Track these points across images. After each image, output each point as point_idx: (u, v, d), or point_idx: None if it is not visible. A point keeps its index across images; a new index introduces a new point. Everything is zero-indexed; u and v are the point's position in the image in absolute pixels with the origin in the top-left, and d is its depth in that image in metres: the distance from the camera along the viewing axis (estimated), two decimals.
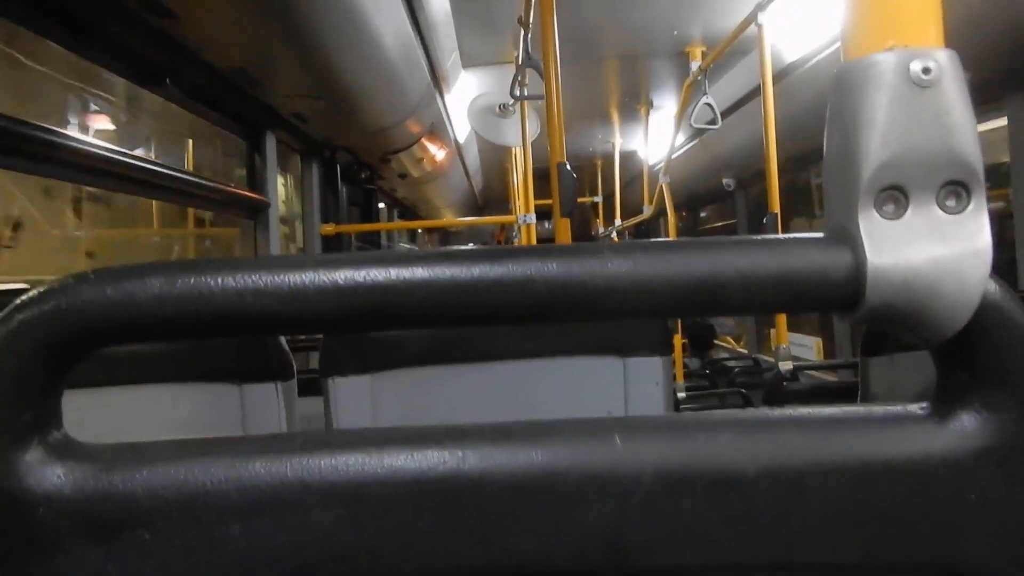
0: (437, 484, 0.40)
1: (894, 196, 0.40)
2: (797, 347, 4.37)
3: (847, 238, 0.40)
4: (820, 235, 0.41)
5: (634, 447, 0.41)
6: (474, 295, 0.40)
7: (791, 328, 3.59)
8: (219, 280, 0.39)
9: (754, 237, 0.41)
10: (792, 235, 0.41)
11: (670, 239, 0.42)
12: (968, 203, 0.39)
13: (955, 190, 0.40)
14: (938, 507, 0.40)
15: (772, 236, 0.41)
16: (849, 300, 0.40)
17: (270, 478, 0.40)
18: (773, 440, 0.42)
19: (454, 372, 1.35)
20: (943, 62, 0.39)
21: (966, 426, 0.41)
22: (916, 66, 0.39)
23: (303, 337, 3.15)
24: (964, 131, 0.39)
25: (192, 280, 0.39)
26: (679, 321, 4.84)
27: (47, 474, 0.39)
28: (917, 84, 0.39)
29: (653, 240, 0.42)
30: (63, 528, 0.39)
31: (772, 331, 3.63)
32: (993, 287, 0.40)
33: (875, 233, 0.39)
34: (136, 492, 0.40)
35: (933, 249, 0.39)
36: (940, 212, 0.40)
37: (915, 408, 0.42)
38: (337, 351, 1.36)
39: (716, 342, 6.32)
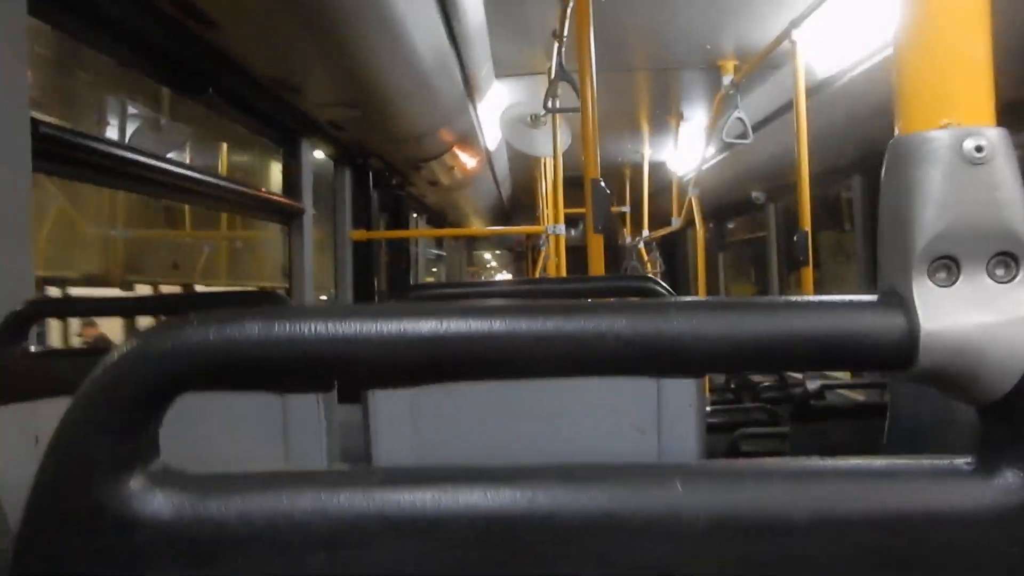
0: (510, 521, 0.43)
1: (946, 265, 0.42)
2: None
3: (900, 302, 0.42)
4: (873, 298, 0.44)
5: (693, 492, 0.44)
6: (550, 349, 0.42)
7: None
8: (312, 327, 0.42)
9: (812, 298, 0.44)
10: (848, 298, 0.44)
11: (730, 299, 0.45)
12: (1017, 273, 0.42)
13: (1004, 260, 0.42)
14: (984, 561, 0.43)
15: (829, 298, 0.44)
16: (901, 362, 0.42)
17: (352, 510, 0.43)
18: (825, 490, 0.44)
19: (493, 384, 1.37)
20: (995, 140, 0.42)
21: (1011, 482, 0.43)
22: (969, 144, 0.41)
23: None
24: (1014, 206, 0.41)
25: (287, 327, 0.42)
26: None
27: (149, 500, 0.43)
28: (970, 161, 0.41)
29: (715, 300, 0.44)
30: (163, 551, 0.42)
31: None
32: None
33: (927, 299, 0.42)
34: (230, 520, 0.43)
35: (982, 316, 0.41)
36: (990, 281, 0.42)
37: (961, 463, 0.45)
38: None
39: None
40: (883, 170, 0.44)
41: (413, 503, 0.44)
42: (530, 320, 0.43)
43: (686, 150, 5.92)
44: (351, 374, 0.43)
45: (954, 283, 0.42)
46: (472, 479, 0.44)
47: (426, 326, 0.42)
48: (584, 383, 1.40)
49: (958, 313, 0.41)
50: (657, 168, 6.94)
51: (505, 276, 13.79)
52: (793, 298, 0.44)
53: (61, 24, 1.95)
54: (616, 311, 0.43)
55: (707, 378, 4.43)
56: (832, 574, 0.43)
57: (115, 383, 0.42)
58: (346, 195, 4.14)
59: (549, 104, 3.39)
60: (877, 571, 0.43)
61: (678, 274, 8.66)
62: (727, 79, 4.06)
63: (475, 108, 4.28)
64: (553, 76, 3.25)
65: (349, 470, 0.46)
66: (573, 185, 3.06)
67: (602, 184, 2.24)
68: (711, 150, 5.23)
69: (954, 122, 0.42)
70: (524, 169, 6.88)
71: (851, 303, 0.43)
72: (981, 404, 0.43)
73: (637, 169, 6.88)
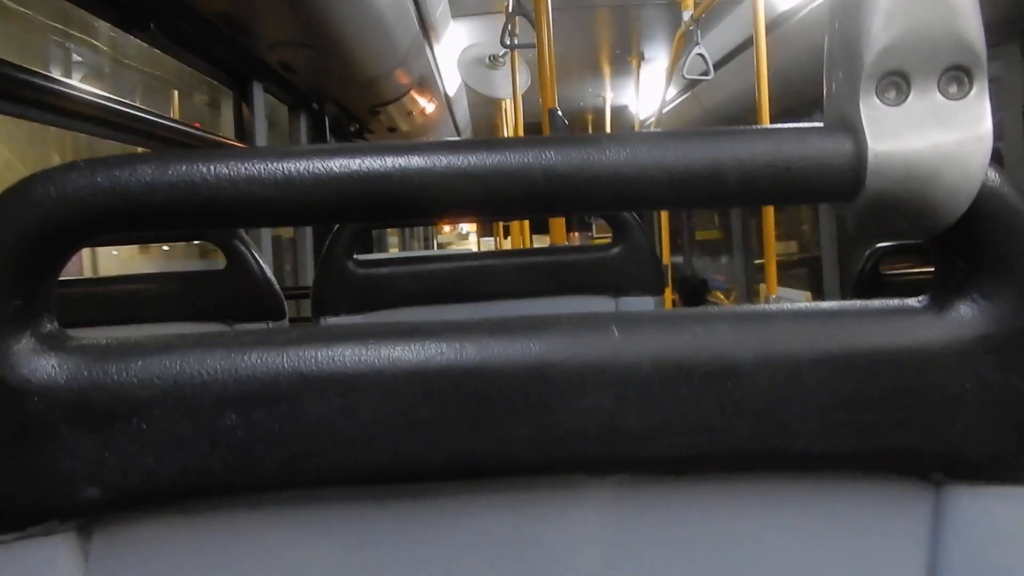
0: (434, 375, 0.40)
1: (896, 82, 0.39)
2: (787, 302, 4.39)
3: (848, 126, 0.40)
4: (819, 124, 0.41)
5: (632, 338, 0.41)
6: (475, 185, 0.39)
7: (780, 283, 3.61)
8: (211, 168, 0.38)
9: (753, 127, 0.41)
10: (791, 125, 0.41)
11: (671, 130, 0.42)
12: (970, 89, 0.39)
13: (957, 76, 0.39)
14: (936, 395, 0.41)
15: (771, 126, 0.41)
16: (849, 188, 0.39)
17: (266, 369, 0.40)
18: (771, 331, 0.42)
19: (447, 311, 1.34)
20: None
21: (964, 315, 0.41)
22: None
23: (295, 285, 3.15)
24: (967, 14, 0.38)
25: (184, 167, 0.38)
26: (670, 275, 4.85)
27: (40, 364, 0.39)
28: None
29: (651, 131, 0.42)
30: (58, 418, 0.39)
31: (762, 286, 3.64)
32: (992, 174, 0.40)
33: (876, 119, 0.39)
34: (131, 383, 0.40)
35: (934, 135, 0.39)
36: (942, 98, 0.39)
37: (913, 301, 0.43)
38: (329, 291, 1.36)
39: (707, 298, 6.35)
40: None
41: (332, 359, 0.41)
42: (454, 155, 0.39)
43: (648, 92, 5.87)
44: (247, 216, 0.39)
45: (904, 101, 0.39)
46: (393, 334, 0.41)
47: (332, 163, 0.39)
48: (543, 304, 1.38)
49: (909, 133, 0.39)
50: (619, 112, 6.90)
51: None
52: (735, 128, 0.41)
53: None
54: (546, 144, 0.40)
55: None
56: (781, 414, 0.41)
57: None
58: (303, 142, 4.05)
59: (507, 41, 3.32)
60: (828, 409, 0.41)
61: (643, 218, 8.65)
62: (687, 15, 4.01)
63: (432, 50, 4.19)
64: (511, 10, 3.18)
65: (260, 330, 0.43)
66: (534, 131, 3.01)
67: (559, 113, 2.20)
68: (673, 91, 5.18)
69: None
70: (485, 116, 6.80)
71: (796, 130, 0.40)
72: (933, 232, 0.41)
73: (599, 114, 6.83)
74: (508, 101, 4.67)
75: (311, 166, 0.39)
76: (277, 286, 1.39)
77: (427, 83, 4.49)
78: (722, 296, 6.43)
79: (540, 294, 1.38)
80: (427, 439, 0.40)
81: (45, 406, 0.39)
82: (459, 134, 6.91)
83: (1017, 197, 0.40)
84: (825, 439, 0.41)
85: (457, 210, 0.40)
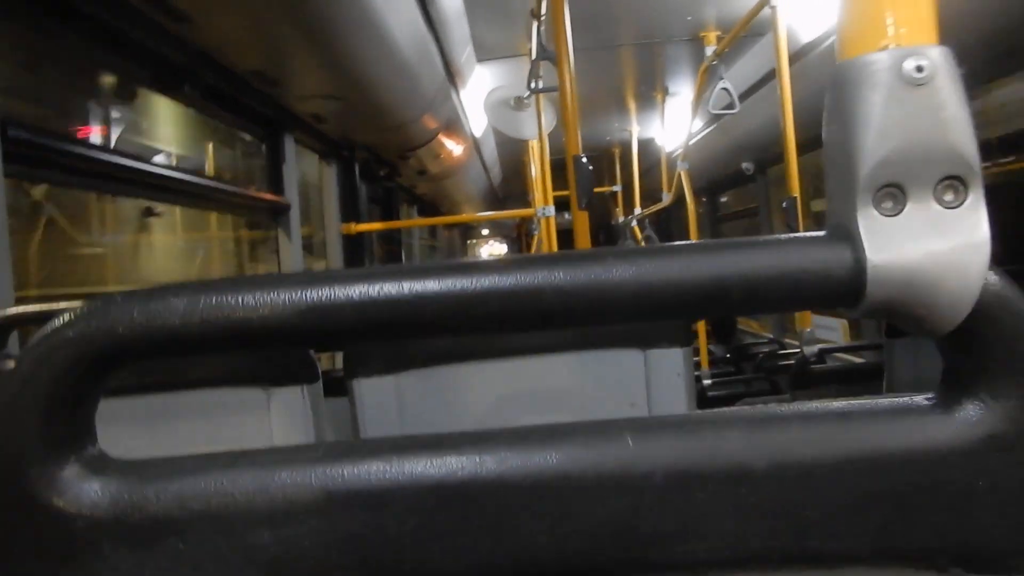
0: (456, 488, 0.42)
1: (892, 193, 0.40)
2: (823, 330, 4.34)
3: (847, 236, 0.41)
4: (821, 234, 0.42)
5: (646, 446, 0.42)
6: (487, 303, 0.41)
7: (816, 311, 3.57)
8: (239, 298, 0.41)
9: (757, 238, 0.42)
10: (794, 235, 0.42)
11: (674, 244, 0.43)
12: (965, 197, 0.40)
13: (952, 185, 0.40)
14: (948, 494, 0.41)
15: (774, 237, 0.42)
16: (851, 297, 0.41)
17: (296, 487, 0.42)
18: (782, 435, 0.42)
19: (478, 369, 1.36)
20: (936, 60, 0.40)
21: (972, 414, 0.41)
22: (910, 64, 0.40)
23: None
24: (959, 126, 0.39)
25: (213, 299, 0.41)
26: None
27: (84, 488, 0.41)
28: (911, 82, 0.40)
29: (657, 245, 0.43)
30: (101, 539, 0.41)
31: (798, 315, 3.61)
32: (993, 278, 0.40)
33: (874, 230, 0.40)
34: (169, 504, 0.42)
35: (932, 244, 0.40)
36: (938, 207, 0.40)
37: (921, 399, 0.43)
38: (361, 352, 1.37)
39: (740, 327, 6.30)
40: (826, 99, 0.43)
41: (357, 476, 0.42)
42: (462, 278, 0.41)
43: (674, 125, 5.89)
44: (275, 340, 0.42)
45: (901, 212, 0.40)
46: (416, 448, 0.43)
47: (351, 289, 0.41)
48: (570, 358, 1.39)
49: (907, 243, 0.40)
50: (646, 145, 6.91)
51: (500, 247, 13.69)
52: (737, 240, 0.42)
53: (24, 18, 1.92)
54: (555, 262, 0.42)
55: (704, 350, 4.42)
56: (795, 517, 0.41)
57: (38, 366, 0.41)
58: (333, 188, 4.11)
59: (532, 85, 3.36)
60: (841, 510, 0.41)
61: None
62: (710, 50, 4.03)
63: (458, 94, 4.25)
64: (534, 56, 3.22)
65: (290, 447, 0.45)
66: (562, 167, 3.03)
67: (584, 160, 2.22)
68: (698, 123, 5.19)
69: (894, 43, 0.41)
70: (513, 154, 6.85)
71: (797, 240, 0.42)
72: (938, 335, 0.41)
73: (626, 148, 6.85)
74: (535, 140, 4.70)
75: (332, 293, 0.41)
76: (311, 351, 1.41)
77: (455, 126, 4.55)
78: (756, 325, 6.37)
79: (568, 348, 1.38)
80: (451, 548, 0.42)
81: (89, 527, 0.41)
82: (487, 173, 6.96)
83: (1019, 300, 0.41)
84: (840, 538, 0.42)
85: (465, 328, 0.42)
